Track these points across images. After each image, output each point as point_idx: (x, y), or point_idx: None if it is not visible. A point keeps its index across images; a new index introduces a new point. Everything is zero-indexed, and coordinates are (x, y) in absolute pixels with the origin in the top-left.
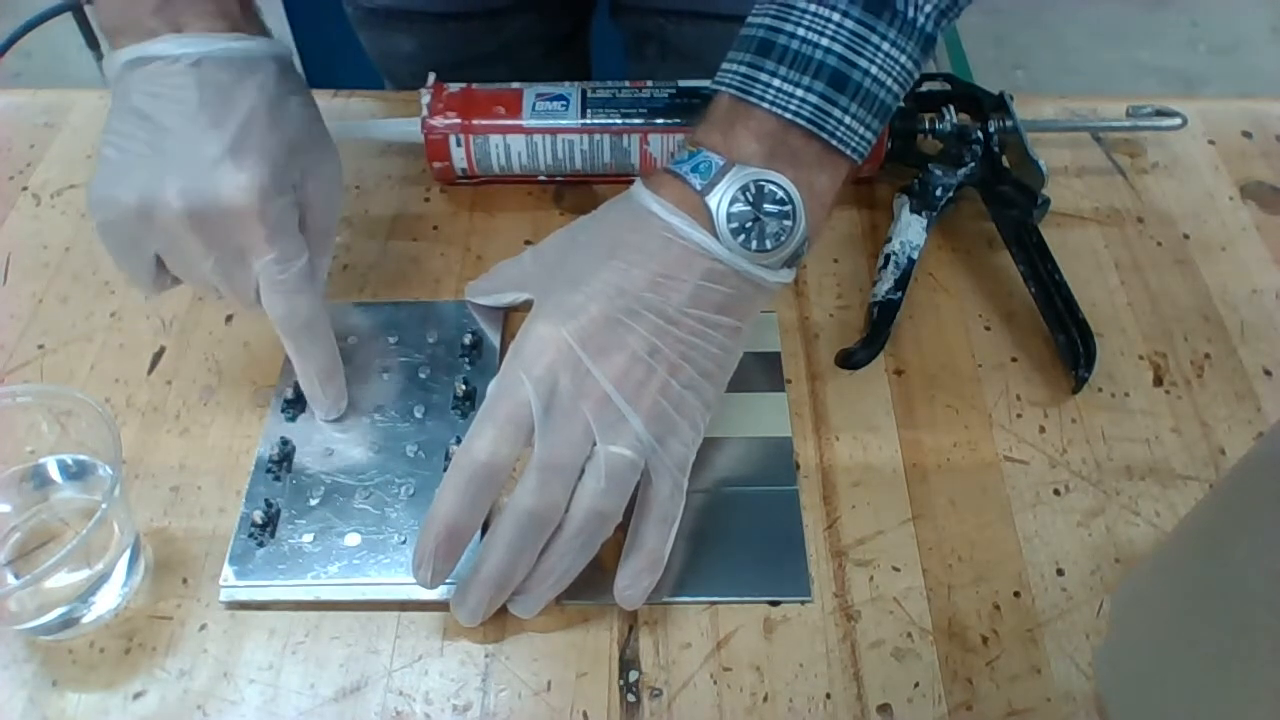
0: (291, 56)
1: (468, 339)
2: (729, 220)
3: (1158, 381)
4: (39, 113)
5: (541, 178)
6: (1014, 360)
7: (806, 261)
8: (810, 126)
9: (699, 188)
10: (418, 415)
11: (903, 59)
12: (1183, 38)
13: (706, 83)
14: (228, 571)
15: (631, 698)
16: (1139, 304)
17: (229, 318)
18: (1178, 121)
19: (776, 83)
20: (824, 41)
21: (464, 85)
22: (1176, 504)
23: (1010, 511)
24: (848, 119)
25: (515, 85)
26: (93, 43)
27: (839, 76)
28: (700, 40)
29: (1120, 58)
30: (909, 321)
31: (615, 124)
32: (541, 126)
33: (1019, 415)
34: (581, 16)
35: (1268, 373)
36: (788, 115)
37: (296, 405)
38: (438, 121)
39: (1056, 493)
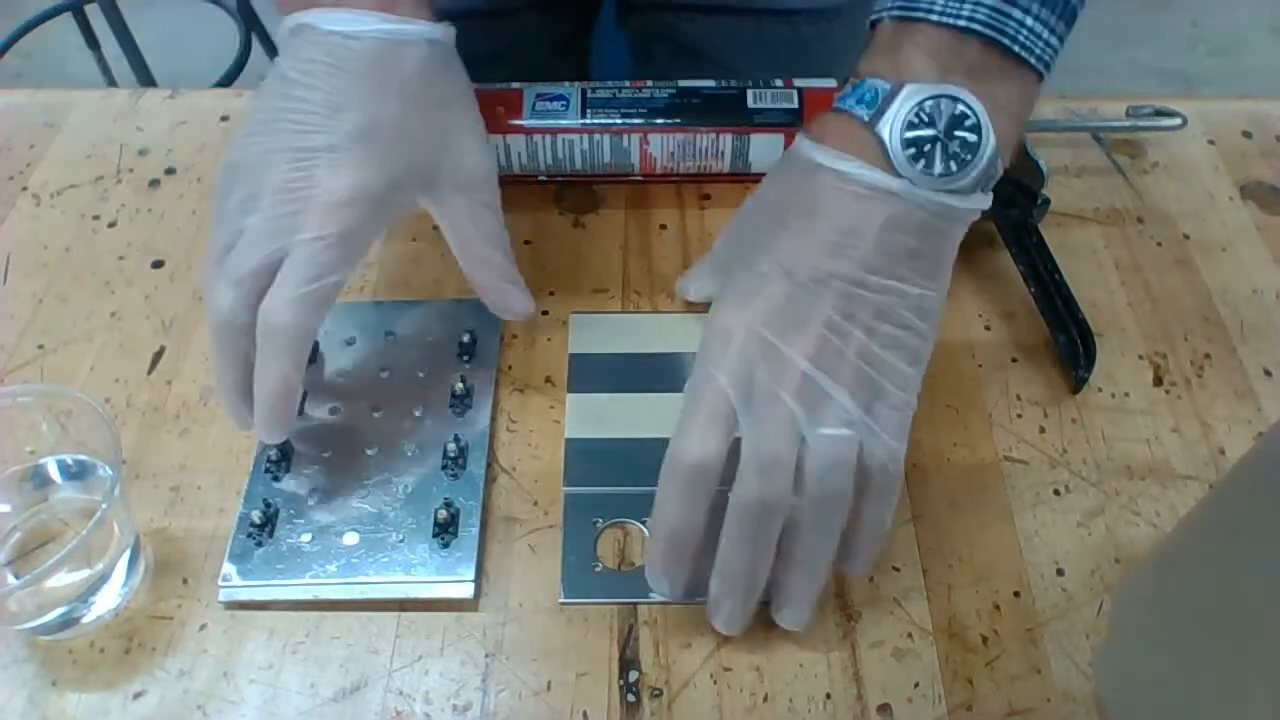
0: (450, 39)
1: (465, 338)
2: (904, 147)
3: (1158, 381)
4: (39, 113)
5: (542, 178)
6: (1014, 360)
7: None
8: (988, 32)
9: (866, 119)
10: (416, 414)
11: None
12: (1183, 38)
13: (709, 82)
14: (227, 570)
15: (631, 698)
16: (1139, 304)
17: None
18: (1178, 121)
19: None
20: None
21: None
22: (1176, 504)
23: (1010, 511)
24: (1030, 20)
25: (515, 85)
26: (93, 43)
27: None
28: (713, 36)
29: (1120, 58)
30: None
31: (615, 124)
32: (541, 126)
33: (1019, 415)
34: (586, 18)
35: (1268, 373)
36: (960, 23)
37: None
38: None
39: (1056, 493)
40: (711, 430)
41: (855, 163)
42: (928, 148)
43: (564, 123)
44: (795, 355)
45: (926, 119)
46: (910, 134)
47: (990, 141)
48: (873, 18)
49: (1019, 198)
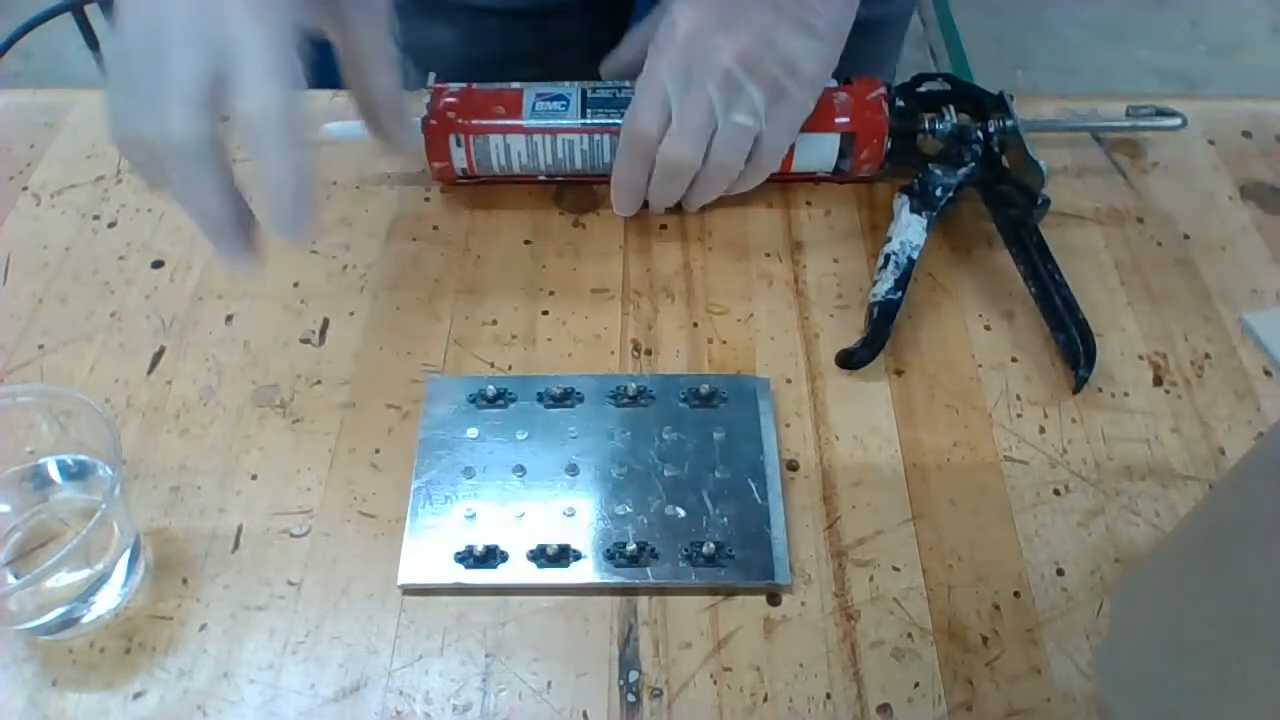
0: None
1: None
2: None
3: (1158, 381)
4: (39, 113)
5: (541, 178)
6: (1014, 360)
7: (806, 262)
8: None
9: None
10: None
11: None
12: (1183, 38)
13: None
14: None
15: (631, 698)
16: (1139, 304)
17: (229, 318)
18: (1178, 121)
19: None
20: None
21: (464, 85)
22: (1176, 504)
23: (1010, 511)
24: None
25: (515, 85)
26: (93, 43)
27: None
28: None
29: (1120, 58)
30: (909, 321)
31: (615, 124)
32: (541, 126)
33: (1019, 415)
34: (622, 21)
35: (1268, 373)
36: None
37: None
38: (438, 122)
39: (1056, 493)
40: (654, 110)
41: None
42: None
43: (564, 123)
44: (725, 54)
45: None
46: None
47: None
48: None
49: (1019, 198)
